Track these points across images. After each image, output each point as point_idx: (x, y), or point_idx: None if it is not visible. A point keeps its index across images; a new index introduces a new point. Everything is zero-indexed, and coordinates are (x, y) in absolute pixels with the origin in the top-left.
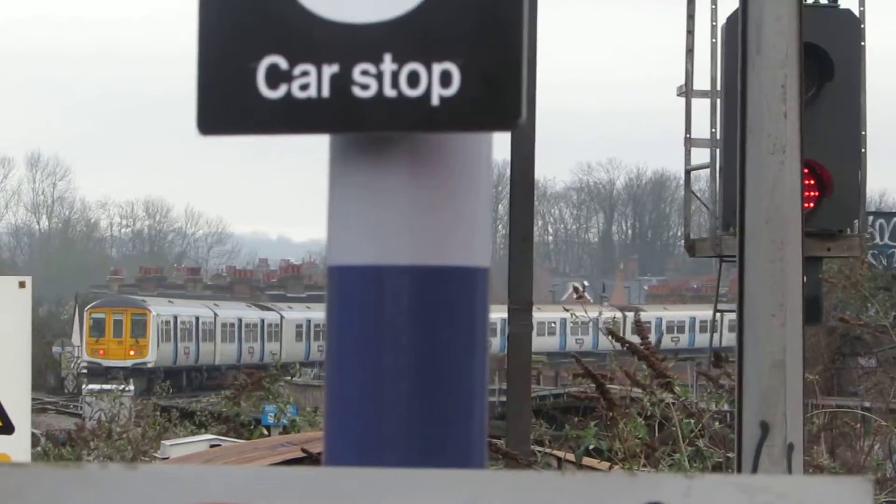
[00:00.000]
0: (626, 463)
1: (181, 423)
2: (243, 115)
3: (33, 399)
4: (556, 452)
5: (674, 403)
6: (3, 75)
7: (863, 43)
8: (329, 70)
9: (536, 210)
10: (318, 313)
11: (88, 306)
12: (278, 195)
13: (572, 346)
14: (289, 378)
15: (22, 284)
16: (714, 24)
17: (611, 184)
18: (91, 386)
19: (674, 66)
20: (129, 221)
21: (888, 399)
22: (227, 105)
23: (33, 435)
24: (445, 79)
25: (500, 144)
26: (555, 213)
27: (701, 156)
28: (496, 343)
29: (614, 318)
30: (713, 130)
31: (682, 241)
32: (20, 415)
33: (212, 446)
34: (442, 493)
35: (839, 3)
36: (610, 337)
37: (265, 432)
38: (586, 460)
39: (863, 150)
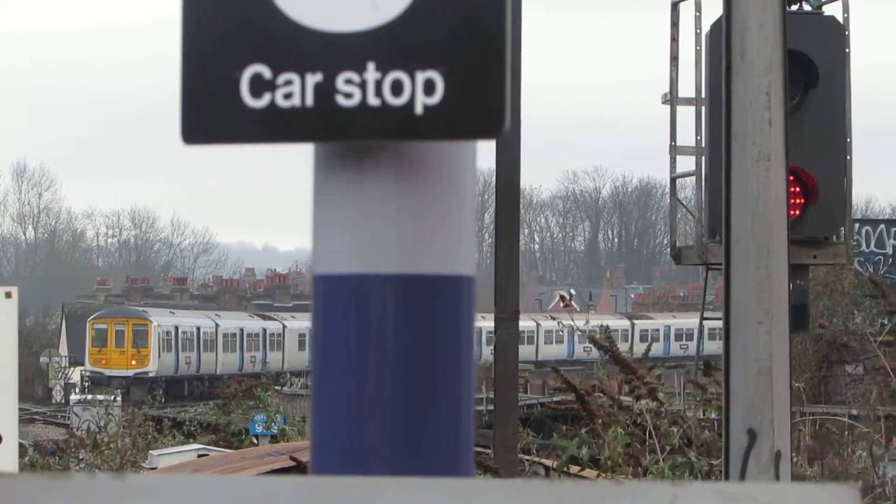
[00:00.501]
0: (609, 473)
1: (170, 432)
2: (227, 125)
3: (20, 409)
4: (543, 461)
5: (658, 412)
6: None
7: (847, 50)
8: (313, 79)
9: (522, 219)
10: None
11: (91, 317)
12: (264, 205)
13: (580, 354)
14: (278, 387)
15: (8, 295)
16: (698, 31)
17: (597, 192)
18: (76, 396)
19: (658, 74)
20: (116, 231)
21: (873, 406)
22: (210, 114)
23: (21, 445)
24: (429, 87)
25: (486, 153)
26: (541, 222)
27: (686, 163)
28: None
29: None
30: (698, 138)
31: (669, 249)
32: (7, 425)
33: (200, 456)
34: (429, 501)
35: (823, 10)
36: (592, 345)
37: (254, 441)
38: (575, 469)
39: (848, 157)
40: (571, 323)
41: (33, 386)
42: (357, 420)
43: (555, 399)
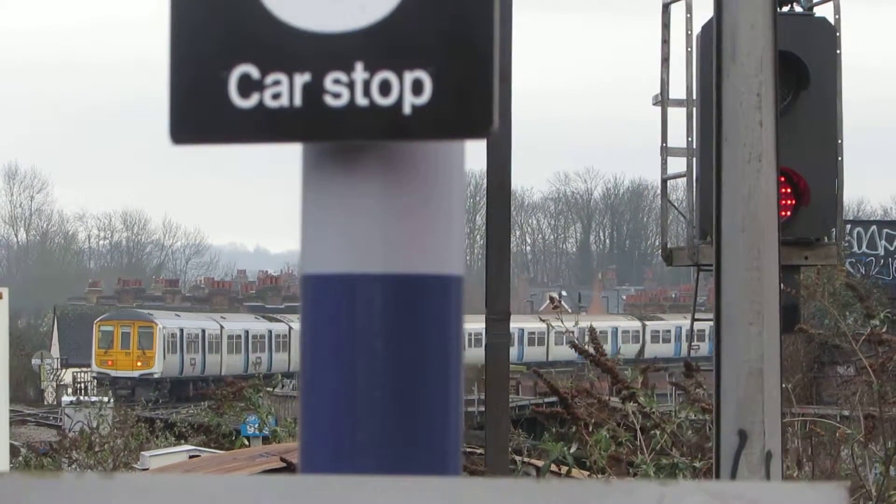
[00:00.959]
0: (597, 475)
1: (161, 434)
2: (215, 124)
3: (12, 411)
4: (534, 462)
5: (643, 413)
6: None
7: (838, 51)
8: (301, 79)
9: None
10: None
11: (97, 319)
12: (256, 206)
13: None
14: (270, 389)
15: None
16: (689, 32)
17: (588, 194)
18: (68, 398)
19: (650, 76)
20: (107, 233)
21: (861, 406)
22: (199, 114)
23: (14, 447)
24: (417, 87)
25: (477, 154)
26: (532, 224)
27: (678, 165)
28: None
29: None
30: (689, 139)
31: (660, 251)
32: None
33: (191, 457)
34: (417, 500)
35: (814, 11)
36: (573, 349)
37: (246, 443)
38: (564, 470)
39: (839, 158)
40: (558, 324)
41: (25, 388)
42: (346, 419)
43: (544, 401)
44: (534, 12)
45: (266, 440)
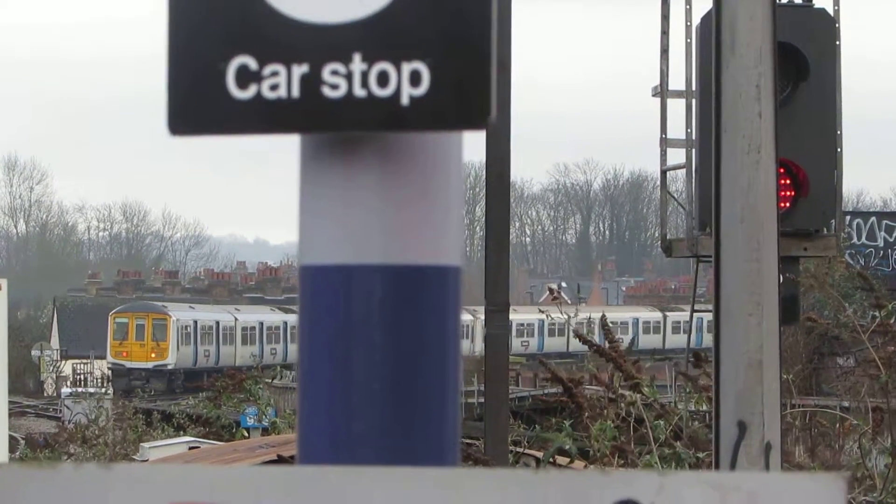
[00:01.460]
0: (598, 464)
1: (159, 425)
2: (214, 116)
3: (12, 403)
4: (534, 453)
5: (645, 405)
6: None
7: (837, 42)
8: (299, 70)
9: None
10: None
11: (112, 311)
12: (256, 198)
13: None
14: (269, 380)
15: None
16: (688, 24)
17: (588, 185)
18: (67, 389)
19: (649, 67)
20: (107, 225)
21: (863, 398)
22: (197, 106)
23: (13, 438)
24: (415, 78)
25: (476, 146)
26: (532, 215)
27: (677, 156)
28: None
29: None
30: (688, 131)
31: (659, 242)
32: None
33: (191, 448)
34: (415, 491)
35: (813, 2)
36: (578, 339)
37: (245, 434)
38: (562, 461)
39: (838, 149)
40: (561, 315)
41: (24, 379)
42: (344, 410)
43: (543, 392)
44: (533, 3)
45: (265, 431)
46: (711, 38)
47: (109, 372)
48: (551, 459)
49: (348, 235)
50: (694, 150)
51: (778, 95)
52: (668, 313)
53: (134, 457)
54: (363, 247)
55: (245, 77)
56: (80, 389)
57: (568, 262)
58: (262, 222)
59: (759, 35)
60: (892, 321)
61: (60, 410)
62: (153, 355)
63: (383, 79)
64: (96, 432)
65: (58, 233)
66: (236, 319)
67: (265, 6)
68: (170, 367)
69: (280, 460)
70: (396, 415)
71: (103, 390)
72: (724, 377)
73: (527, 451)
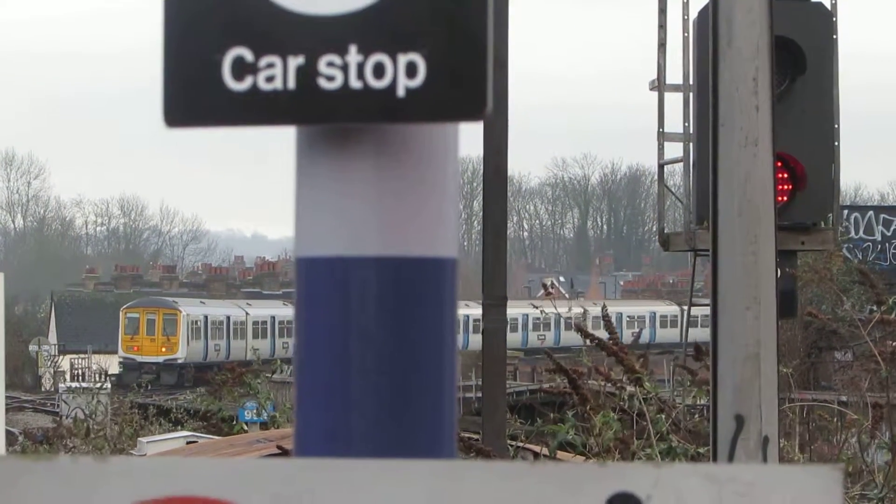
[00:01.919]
0: (599, 457)
1: (156, 420)
2: (209, 108)
3: (10, 398)
4: (531, 447)
5: (646, 398)
6: None
7: (835, 36)
8: (294, 62)
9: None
10: None
11: (124, 307)
12: (253, 192)
13: (629, 338)
14: (269, 374)
15: None
16: (686, 17)
17: (585, 179)
18: (65, 384)
19: (646, 61)
20: (105, 219)
21: (862, 393)
22: (193, 97)
23: (11, 433)
24: (411, 70)
25: (474, 140)
26: (530, 209)
27: (675, 150)
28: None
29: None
30: (686, 124)
31: (657, 236)
32: None
33: (189, 443)
34: (412, 483)
35: None
36: (578, 333)
37: (245, 428)
38: (562, 455)
39: (836, 143)
40: (556, 310)
41: (22, 374)
42: (340, 403)
43: (545, 385)
44: None
45: (264, 426)
46: (709, 32)
47: (120, 366)
48: (554, 454)
49: (344, 227)
50: (691, 144)
51: (775, 89)
52: (685, 307)
53: (131, 451)
54: (359, 239)
55: (241, 69)
56: (75, 385)
57: (566, 256)
58: (261, 217)
59: (757, 29)
60: (892, 316)
61: (58, 405)
62: (164, 350)
63: (379, 70)
64: (94, 426)
65: (55, 227)
66: (247, 314)
67: None
68: (180, 361)
69: (281, 452)
70: (393, 407)
71: (99, 385)
72: (722, 371)
73: (525, 445)
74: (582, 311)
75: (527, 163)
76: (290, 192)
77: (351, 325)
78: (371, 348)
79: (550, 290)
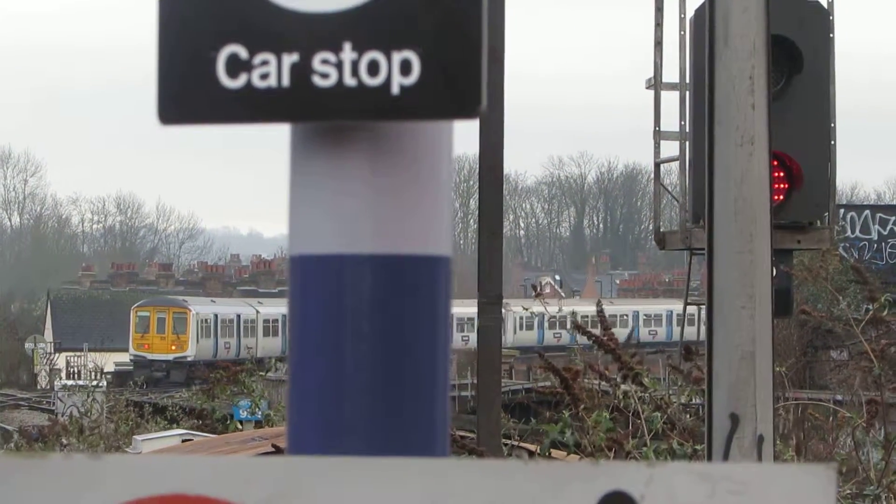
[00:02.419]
0: (593, 456)
1: (152, 418)
2: (204, 105)
3: (6, 395)
4: (526, 446)
5: (641, 397)
6: None
7: (831, 34)
8: (289, 59)
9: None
10: None
11: (134, 305)
12: (249, 190)
13: (646, 337)
14: (263, 373)
15: None
16: (682, 16)
17: (582, 178)
18: (61, 382)
19: (643, 59)
20: (101, 217)
21: (856, 391)
22: (187, 94)
23: (6, 431)
24: (405, 67)
25: (470, 138)
26: (526, 208)
27: (671, 149)
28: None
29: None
30: (682, 123)
31: (653, 235)
32: None
33: (184, 441)
34: (405, 481)
35: None
36: (576, 331)
37: (239, 427)
38: (556, 454)
39: (832, 142)
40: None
41: (18, 372)
42: (334, 400)
43: (537, 385)
44: None
45: (259, 424)
46: (705, 30)
47: (131, 363)
48: (547, 453)
49: (338, 225)
50: (688, 143)
51: (772, 88)
52: (703, 306)
53: (126, 449)
54: (353, 236)
55: (235, 66)
56: (71, 382)
57: (562, 255)
58: (256, 215)
59: (753, 27)
60: (884, 313)
61: (54, 403)
62: (173, 348)
63: (373, 68)
64: (89, 424)
65: (52, 225)
66: (258, 312)
67: None
68: (189, 358)
69: (276, 450)
70: (387, 404)
71: (95, 383)
72: (717, 369)
73: (520, 444)
74: (572, 311)
75: (523, 161)
76: (284, 189)
77: (345, 322)
78: (364, 345)
79: (540, 291)
